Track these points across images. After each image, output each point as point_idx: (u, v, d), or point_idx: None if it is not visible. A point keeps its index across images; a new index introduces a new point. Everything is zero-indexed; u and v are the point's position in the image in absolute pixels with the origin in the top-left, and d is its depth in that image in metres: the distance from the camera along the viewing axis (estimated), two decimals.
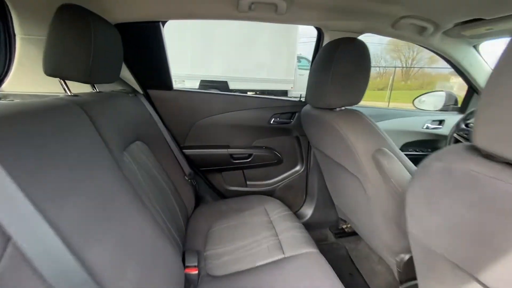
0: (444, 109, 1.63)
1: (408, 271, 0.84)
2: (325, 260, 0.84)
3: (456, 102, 1.65)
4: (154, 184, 0.85)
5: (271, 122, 1.32)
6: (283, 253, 0.87)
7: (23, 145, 0.38)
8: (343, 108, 0.87)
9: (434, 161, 0.43)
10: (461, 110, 1.57)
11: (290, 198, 1.46)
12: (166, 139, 1.12)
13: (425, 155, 1.43)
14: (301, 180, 1.45)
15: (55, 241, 0.36)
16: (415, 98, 1.70)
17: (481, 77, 1.37)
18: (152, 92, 1.17)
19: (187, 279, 0.76)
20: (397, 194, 0.72)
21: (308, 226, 1.49)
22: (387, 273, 1.17)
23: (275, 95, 7.14)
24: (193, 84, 5.81)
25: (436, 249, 0.46)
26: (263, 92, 7.07)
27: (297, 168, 1.44)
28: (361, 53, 0.81)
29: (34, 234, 0.34)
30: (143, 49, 1.09)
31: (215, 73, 6.07)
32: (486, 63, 1.34)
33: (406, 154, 1.53)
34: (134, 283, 0.48)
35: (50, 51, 0.63)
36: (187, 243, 0.97)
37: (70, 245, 0.38)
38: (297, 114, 1.33)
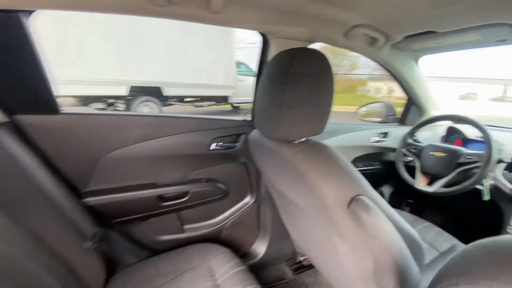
0: (385, 120, 1.64)
1: None
2: None
3: (395, 112, 1.68)
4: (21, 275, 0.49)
5: (211, 147, 1.05)
6: None
7: None
8: (303, 139, 0.67)
9: None
10: (401, 121, 1.60)
11: (240, 237, 1.21)
12: (50, 189, 0.73)
13: (374, 169, 1.36)
14: (251, 213, 1.21)
15: None
16: (357, 110, 1.68)
17: (420, 90, 1.38)
18: (25, 119, 0.76)
19: None
20: (384, 257, 0.54)
21: (263, 265, 1.26)
22: None
23: (216, 101, 6.87)
24: (120, 91, 5.03)
25: None
26: (202, 98, 6.68)
27: (247, 200, 1.20)
28: (324, 69, 0.61)
29: None
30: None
31: (146, 78, 5.38)
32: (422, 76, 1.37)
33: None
34: None
35: None
36: None
37: None
38: (243, 136, 1.09)
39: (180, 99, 6.30)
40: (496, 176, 1.05)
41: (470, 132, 1.30)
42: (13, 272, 0.52)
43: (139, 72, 5.19)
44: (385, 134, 1.52)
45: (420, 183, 1.19)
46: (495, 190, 1.04)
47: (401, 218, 0.61)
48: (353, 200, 0.56)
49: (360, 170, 1.53)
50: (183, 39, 5.61)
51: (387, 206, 0.59)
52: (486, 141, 1.01)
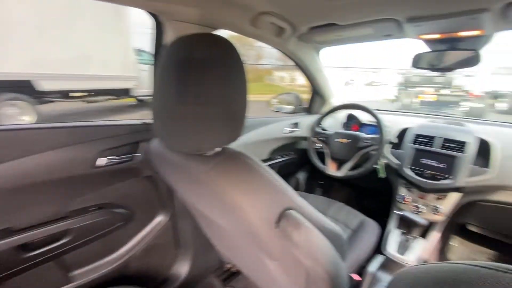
0: (295, 110, 1.71)
1: None
2: None
3: (301, 102, 1.76)
4: None
5: (99, 163, 0.79)
6: None
7: None
8: (218, 149, 0.54)
9: None
10: (309, 110, 1.69)
11: (155, 264, 1.01)
12: None
13: (290, 159, 1.38)
14: (167, 233, 1.02)
15: None
16: (270, 101, 1.69)
17: (322, 80, 1.48)
18: None
19: None
20: (318, 272, 0.49)
21: (187, 284, 1.11)
22: None
23: (115, 95, 5.88)
24: None
25: None
26: (97, 93, 5.56)
27: (158, 219, 0.99)
28: (233, 58, 0.49)
29: None
30: None
31: (11, 69, 4.02)
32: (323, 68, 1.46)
33: (272, 163, 1.48)
34: None
35: None
36: None
37: None
38: (143, 143, 0.87)
39: (65, 94, 5.06)
40: (386, 155, 1.22)
41: (364, 117, 1.48)
42: None
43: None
44: (296, 124, 1.57)
45: (330, 169, 1.28)
46: (387, 166, 1.21)
47: (323, 217, 0.57)
48: (282, 217, 0.48)
49: (277, 162, 1.57)
50: (61, 20, 4.45)
51: (312, 210, 0.54)
52: (378, 126, 1.15)
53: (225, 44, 0.47)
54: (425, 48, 1.03)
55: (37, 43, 4.24)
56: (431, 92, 7.08)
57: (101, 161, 0.79)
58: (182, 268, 1.08)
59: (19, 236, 0.68)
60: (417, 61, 1.06)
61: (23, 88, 4.27)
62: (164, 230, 1.00)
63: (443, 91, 6.93)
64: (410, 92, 7.42)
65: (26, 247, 0.69)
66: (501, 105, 7.22)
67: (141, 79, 6.09)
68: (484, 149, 1.09)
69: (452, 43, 0.94)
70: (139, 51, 6.17)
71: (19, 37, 4.01)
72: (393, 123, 1.32)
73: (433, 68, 1.05)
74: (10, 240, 0.66)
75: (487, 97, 6.77)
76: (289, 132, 1.52)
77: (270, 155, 1.46)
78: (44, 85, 4.49)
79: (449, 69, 1.04)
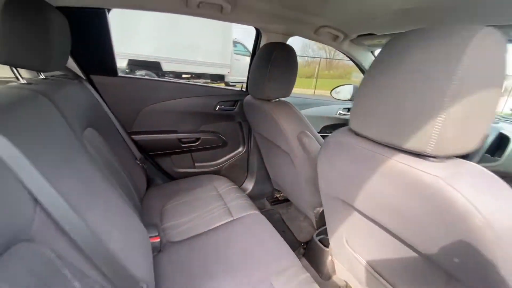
0: (352, 99, 2.08)
1: (321, 220, 1.17)
2: (265, 219, 1.07)
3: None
4: (109, 167, 0.92)
5: (216, 109, 1.47)
6: (232, 216, 1.07)
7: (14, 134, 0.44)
8: (277, 99, 1.10)
9: (331, 138, 0.69)
10: None
11: (234, 176, 1.66)
12: (115, 125, 1.15)
13: None
14: (243, 160, 1.66)
15: (65, 205, 0.45)
16: (332, 90, 2.11)
17: None
18: (95, 78, 1.15)
19: (152, 246, 0.88)
20: (314, 163, 1.00)
21: (249, 198, 1.75)
22: (309, 227, 1.52)
23: (211, 79, 7.05)
24: (119, 64, 5.23)
25: (334, 193, 0.73)
26: (199, 76, 6.91)
27: (240, 149, 1.65)
28: (291, 57, 1.04)
29: (51, 199, 0.43)
30: (86, 35, 1.06)
31: (145, 52, 5.56)
32: None
33: (324, 135, 1.93)
34: (120, 247, 0.60)
35: (2, 39, 0.62)
36: (143, 220, 1.06)
37: (75, 211, 0.47)
38: (239, 102, 1.51)
39: (177, 75, 6.53)
40: None
41: None
42: (110, 168, 0.94)
43: (138, 46, 5.37)
44: (349, 109, 1.96)
45: None
46: None
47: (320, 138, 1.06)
48: (300, 133, 1.01)
49: (325, 135, 2.01)
50: (181, 16, 5.77)
51: (319, 137, 1.04)
52: None
53: (290, 50, 1.02)
54: None
55: (162, 33, 5.63)
56: None
57: (217, 107, 1.46)
58: (248, 186, 1.71)
59: (179, 135, 1.42)
60: None
61: (152, 68, 5.81)
62: (241, 156, 1.64)
63: None
64: None
65: (180, 141, 1.43)
66: None
67: (234, 67, 7.14)
68: (504, 143, 1.28)
69: None
70: (235, 43, 7.20)
71: (150, 27, 5.41)
72: None
73: None
74: (176, 135, 1.41)
75: None
76: (340, 115, 1.94)
77: (321, 129, 1.92)
78: (166, 67, 5.96)
79: None
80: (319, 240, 1.15)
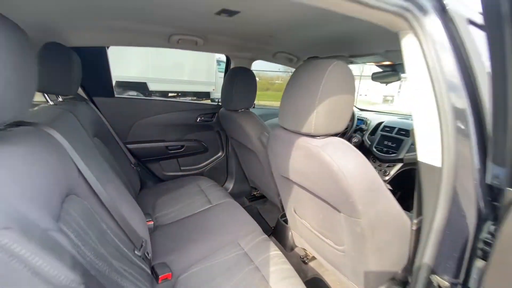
0: None
1: None
2: (240, 206, 1.35)
3: None
4: (112, 167, 1.19)
5: (197, 120, 1.77)
6: (211, 203, 1.34)
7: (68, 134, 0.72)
8: (242, 109, 1.41)
9: (271, 133, 1.00)
10: None
11: (215, 177, 1.94)
12: (114, 136, 1.42)
13: None
14: (222, 163, 1.95)
15: (93, 177, 0.72)
16: None
17: None
18: (97, 99, 1.44)
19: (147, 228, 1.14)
20: None
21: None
22: (279, 214, 1.80)
23: (197, 97, 7.37)
24: None
25: (279, 172, 1.04)
26: (185, 94, 7.24)
27: (219, 154, 1.94)
28: (250, 77, 1.37)
29: (85, 171, 0.70)
30: (90, 66, 1.36)
31: (132, 74, 5.88)
32: None
33: None
34: (128, 213, 0.86)
35: (40, 75, 0.91)
36: None
37: (99, 181, 0.75)
38: (216, 114, 1.82)
39: (164, 94, 6.83)
40: (363, 138, 1.88)
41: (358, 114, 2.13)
42: (112, 168, 1.21)
43: (125, 69, 5.67)
44: None
45: None
46: (360, 145, 1.87)
47: None
48: (261, 134, 1.32)
49: None
50: None
51: None
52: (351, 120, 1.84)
53: (250, 74, 1.35)
54: None
55: (149, 55, 5.99)
56: None
57: (198, 119, 1.77)
58: (228, 186, 1.98)
59: (166, 143, 1.70)
60: None
61: (139, 88, 6.10)
62: (221, 160, 1.93)
63: None
64: None
65: (168, 148, 1.71)
66: None
67: (218, 84, 7.52)
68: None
69: None
70: (219, 61, 7.64)
71: (137, 50, 5.77)
72: (375, 119, 1.96)
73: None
74: (164, 143, 1.69)
75: None
76: None
77: None
78: (152, 86, 6.26)
79: None
80: (283, 221, 1.44)
